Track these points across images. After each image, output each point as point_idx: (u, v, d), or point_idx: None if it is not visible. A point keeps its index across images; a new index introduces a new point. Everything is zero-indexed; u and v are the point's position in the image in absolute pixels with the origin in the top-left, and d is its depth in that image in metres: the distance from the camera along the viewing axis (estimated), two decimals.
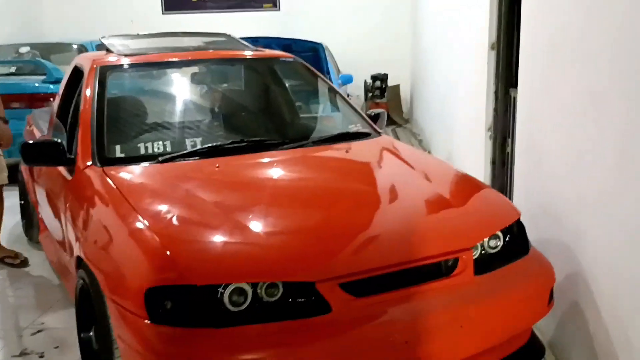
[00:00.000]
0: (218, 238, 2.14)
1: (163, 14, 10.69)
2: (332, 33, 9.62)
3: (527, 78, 3.24)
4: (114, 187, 2.47)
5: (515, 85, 4.00)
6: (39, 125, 4.16)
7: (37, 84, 6.15)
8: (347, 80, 7.52)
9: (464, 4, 4.93)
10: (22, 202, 4.60)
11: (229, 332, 1.86)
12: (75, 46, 7.27)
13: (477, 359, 2.14)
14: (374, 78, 9.95)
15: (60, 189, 2.93)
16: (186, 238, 2.11)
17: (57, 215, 3.01)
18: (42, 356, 2.86)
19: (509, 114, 4.05)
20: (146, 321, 1.90)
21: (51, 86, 6.10)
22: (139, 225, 2.17)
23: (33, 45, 7.20)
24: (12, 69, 6.69)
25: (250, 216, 2.23)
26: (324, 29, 9.80)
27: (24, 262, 3.99)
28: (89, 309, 2.35)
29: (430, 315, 2.01)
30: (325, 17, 10.30)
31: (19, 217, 4.85)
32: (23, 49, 7.06)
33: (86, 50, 7.07)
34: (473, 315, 2.07)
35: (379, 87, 9.92)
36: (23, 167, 4.39)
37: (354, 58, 9.61)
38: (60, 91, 3.66)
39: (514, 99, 3.85)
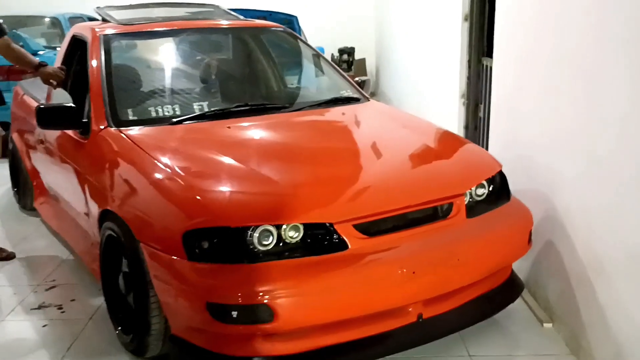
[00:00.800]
0: (242, 186, 2.37)
1: None
2: (300, 6, 9.77)
3: (502, 47, 3.54)
4: (135, 144, 2.66)
5: (486, 54, 4.33)
6: (31, 94, 4.24)
7: None
8: None
9: None
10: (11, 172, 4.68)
11: (258, 267, 2.11)
12: (47, 19, 7.23)
13: (468, 289, 2.47)
14: (341, 51, 10.18)
15: (73, 152, 3.08)
16: (214, 186, 2.35)
17: (69, 176, 3.17)
18: (60, 308, 3.04)
19: (481, 81, 4.37)
20: (185, 260, 2.13)
21: None
22: (167, 176, 2.39)
23: (4, 18, 7.10)
24: None
25: (268, 168, 2.48)
26: (292, 2, 9.94)
27: (10, 255, 3.68)
28: (116, 256, 2.57)
29: (432, 251, 2.31)
30: None
31: (6, 187, 4.94)
32: None
33: (59, 23, 7.06)
34: (467, 251, 2.38)
35: (346, 61, 10.16)
36: (16, 136, 4.47)
37: (320, 31, 9.80)
38: (59, 59, 3.76)
39: (486, 67, 4.17)
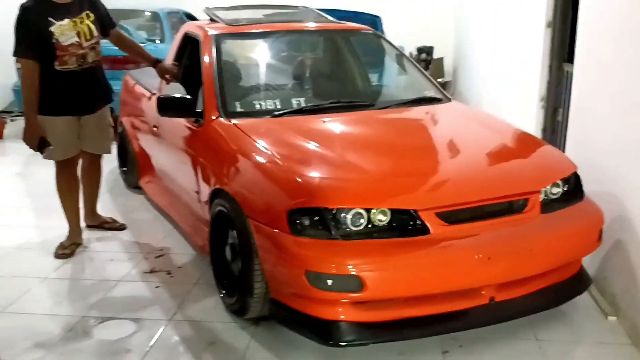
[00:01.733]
0: (338, 173, 2.71)
1: None
2: (377, 3, 10.01)
3: (583, 53, 3.69)
4: (244, 132, 3.04)
5: (567, 60, 4.46)
6: (142, 84, 4.74)
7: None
8: None
9: None
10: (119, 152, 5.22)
11: (350, 243, 2.44)
12: (147, 13, 7.83)
13: (539, 279, 2.70)
14: (420, 50, 10.34)
15: (186, 138, 3.51)
16: (314, 172, 2.69)
17: (180, 159, 3.60)
18: (169, 273, 3.48)
19: (560, 86, 4.51)
20: (288, 234, 2.48)
21: None
22: (273, 161, 2.76)
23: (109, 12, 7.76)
24: None
25: (360, 158, 2.81)
26: (375, 1, 10.19)
27: (122, 226, 4.13)
28: (224, 229, 2.96)
29: (507, 241, 2.56)
30: None
31: (112, 165, 5.49)
32: None
33: (158, 17, 7.63)
34: (539, 243, 2.62)
35: (425, 60, 10.31)
36: (125, 120, 5.00)
37: (399, 29, 9.98)
38: (171, 54, 4.21)
39: (567, 72, 4.31)
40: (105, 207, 4.55)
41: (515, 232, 2.59)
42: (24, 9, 3.38)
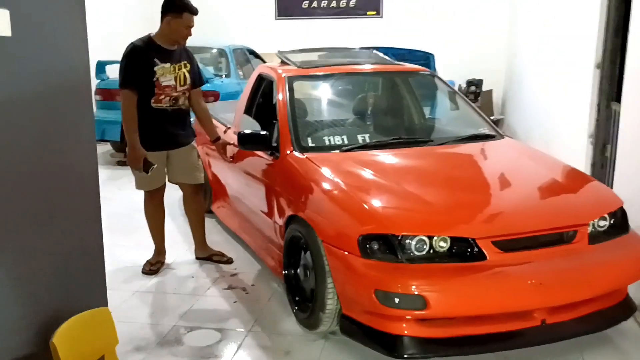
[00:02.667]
0: (403, 204, 3.05)
1: (276, 19, 11.77)
2: (430, 39, 10.39)
3: (631, 94, 3.95)
4: (316, 165, 3.43)
5: (615, 99, 4.70)
6: (216, 117, 5.19)
7: None
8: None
9: (569, 28, 5.62)
10: None
11: (417, 267, 2.76)
12: (214, 50, 8.41)
13: (587, 304, 2.95)
14: (469, 83, 10.63)
15: (263, 169, 3.91)
16: (382, 202, 3.04)
17: (256, 187, 4.01)
18: (244, 290, 3.86)
19: (609, 124, 4.74)
20: (359, 257, 2.82)
21: None
22: (345, 191, 3.12)
23: None
24: None
25: (423, 190, 3.15)
26: (422, 36, 10.59)
27: (230, 260, 4.30)
28: (298, 251, 3.32)
29: (558, 268, 2.83)
30: (423, 25, 11.04)
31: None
32: None
33: (225, 53, 8.20)
34: (587, 271, 2.88)
35: (474, 92, 10.59)
36: (200, 149, 5.45)
37: (450, 63, 10.30)
38: (247, 93, 4.66)
39: (615, 111, 4.55)
40: (181, 230, 5.01)
41: (565, 261, 2.87)
42: (134, 46, 3.82)
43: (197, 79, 4.09)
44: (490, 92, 10.86)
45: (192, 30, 3.91)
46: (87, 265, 2.54)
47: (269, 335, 3.28)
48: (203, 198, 4.37)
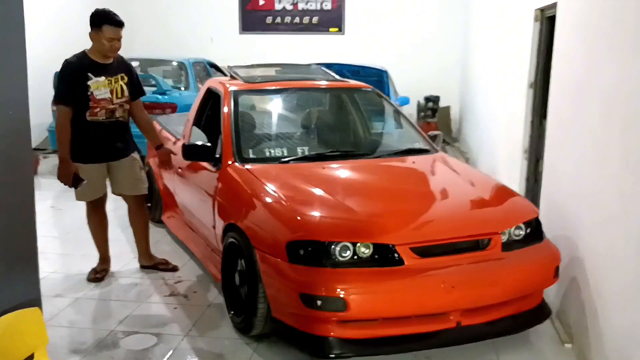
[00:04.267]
0: (330, 212, 3.24)
1: (240, 33, 11.97)
2: (390, 56, 10.71)
3: (554, 111, 4.22)
4: (255, 176, 3.60)
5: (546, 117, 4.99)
6: (168, 129, 5.35)
7: (148, 95, 7.38)
8: (404, 102, 8.54)
9: (508, 50, 5.93)
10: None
11: (337, 271, 2.95)
12: (175, 62, 8.55)
13: (502, 308, 3.16)
14: (427, 99, 10.97)
15: (206, 179, 4.06)
16: (310, 211, 3.23)
17: (200, 197, 4.15)
18: (186, 296, 3.99)
19: (542, 139, 5.02)
20: (286, 262, 3.00)
21: (159, 97, 7.37)
22: (278, 201, 3.30)
23: (139, 61, 8.50)
24: None
25: (351, 200, 3.34)
26: (384, 53, 10.91)
27: (175, 267, 4.41)
28: (235, 258, 3.48)
29: (470, 273, 3.04)
30: (384, 42, 11.37)
31: None
32: (133, 63, 8.35)
33: (184, 66, 8.34)
34: (498, 276, 3.10)
35: (431, 108, 10.93)
36: (151, 161, 5.59)
37: (409, 80, 10.61)
38: (195, 106, 4.81)
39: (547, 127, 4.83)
40: (129, 239, 5.08)
41: (478, 266, 3.08)
42: (67, 63, 3.89)
43: (136, 90, 4.15)
44: (447, 108, 11.22)
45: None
46: (21, 268, 2.65)
47: (204, 339, 3.42)
48: (147, 209, 4.47)
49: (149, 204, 5.69)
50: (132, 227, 4.45)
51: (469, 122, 9.69)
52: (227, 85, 4.42)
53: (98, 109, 3.90)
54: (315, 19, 11.78)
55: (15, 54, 2.52)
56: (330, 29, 11.79)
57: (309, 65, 5.43)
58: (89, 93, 3.85)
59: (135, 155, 4.25)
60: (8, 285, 2.55)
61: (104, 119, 3.94)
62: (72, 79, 3.86)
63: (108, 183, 4.23)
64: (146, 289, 4.12)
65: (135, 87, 4.13)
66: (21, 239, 2.66)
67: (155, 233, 5.33)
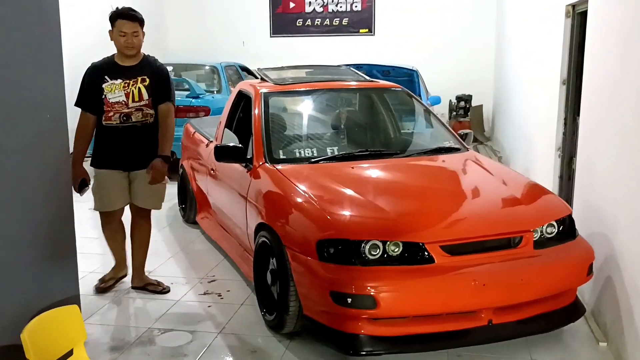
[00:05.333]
0: (359, 211, 3.27)
1: (271, 37, 12.08)
2: (421, 56, 10.66)
3: (587, 109, 4.16)
4: (285, 176, 3.65)
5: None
6: (201, 132, 5.45)
7: (181, 98, 7.54)
8: (436, 101, 8.51)
9: (540, 47, 5.85)
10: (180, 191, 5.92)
11: (367, 269, 2.97)
12: (207, 66, 8.70)
13: (535, 305, 3.14)
14: (459, 99, 10.89)
15: (238, 180, 4.13)
16: (339, 210, 3.26)
17: (232, 197, 4.23)
18: (219, 295, 4.07)
19: (575, 137, 4.95)
20: (317, 260, 3.03)
21: (192, 100, 7.51)
22: (308, 200, 3.34)
23: (173, 65, 8.68)
24: None
25: (380, 199, 3.36)
26: (414, 53, 10.87)
27: (166, 289, 4.10)
28: (266, 257, 3.53)
29: (501, 270, 3.03)
30: (415, 42, 11.33)
31: (172, 203, 6.20)
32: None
33: (217, 70, 8.47)
34: (530, 274, 3.08)
35: (463, 107, 10.84)
36: (185, 163, 5.70)
37: (440, 79, 10.56)
38: (227, 108, 4.90)
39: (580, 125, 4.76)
40: (166, 239, 5.24)
41: (509, 264, 3.06)
42: (90, 66, 3.83)
43: (160, 94, 3.82)
44: (480, 107, 11.11)
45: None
46: (61, 265, 2.75)
47: (237, 336, 3.48)
48: (150, 225, 4.14)
49: (183, 205, 5.83)
50: (131, 239, 4.14)
51: (501, 120, 9.58)
52: (258, 88, 4.48)
53: (112, 113, 3.74)
54: (345, 20, 11.81)
55: (51, 55, 2.61)
56: (361, 30, 11.80)
57: (338, 66, 5.47)
58: (103, 96, 3.73)
59: None
60: (48, 283, 2.65)
61: (118, 123, 3.77)
62: (88, 82, 3.78)
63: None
64: (181, 288, 4.20)
65: (159, 91, 3.81)
66: (60, 238, 2.77)
67: (190, 233, 5.46)
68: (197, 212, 5.43)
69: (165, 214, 6.02)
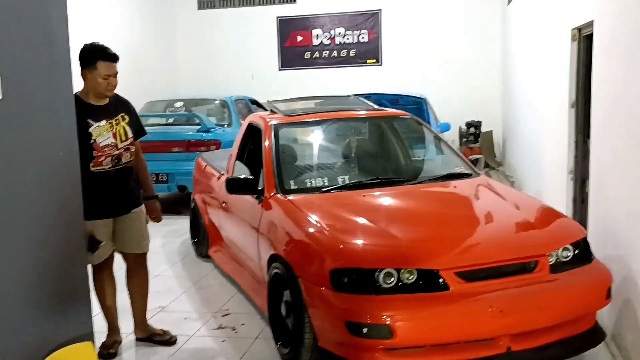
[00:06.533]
0: (372, 240, 3.25)
1: (279, 70, 12.24)
2: (429, 84, 10.72)
3: (597, 130, 4.15)
4: (296, 207, 3.65)
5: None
6: (212, 165, 5.49)
7: (192, 133, 7.63)
8: (445, 128, 8.51)
9: (547, 70, 5.88)
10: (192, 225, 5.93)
11: (383, 298, 2.94)
12: (217, 101, 8.80)
13: (554, 331, 3.08)
14: (469, 125, 10.89)
15: (250, 211, 4.13)
16: (352, 239, 3.25)
17: (244, 230, 4.23)
18: (234, 329, 4.03)
19: (587, 159, 4.92)
20: (331, 290, 3.01)
21: (203, 134, 7.58)
22: (320, 230, 3.33)
23: (183, 101, 8.79)
24: (171, 120, 8.27)
25: (393, 227, 3.34)
26: (422, 81, 10.93)
27: (173, 339, 3.84)
28: (280, 289, 3.51)
29: (518, 296, 2.98)
30: (421, 71, 11.41)
31: (184, 237, 6.23)
32: (178, 104, 8.67)
33: (227, 104, 8.56)
34: (547, 299, 3.03)
35: (473, 133, 10.84)
36: (197, 197, 5.73)
37: (448, 106, 10.59)
38: (238, 141, 4.94)
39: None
40: (178, 275, 5.24)
41: (526, 289, 3.02)
42: None
43: (139, 130, 3.67)
44: (490, 132, 11.11)
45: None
46: (74, 305, 2.74)
47: None
48: (147, 270, 3.85)
49: (196, 239, 5.83)
50: (128, 289, 3.83)
51: (512, 145, 9.56)
52: (267, 120, 4.52)
53: (103, 157, 3.42)
54: (352, 52, 11.94)
55: (63, 93, 2.65)
56: (368, 61, 11.92)
57: (347, 96, 5.52)
58: (91, 142, 3.37)
59: (143, 208, 3.75)
60: (62, 320, 2.64)
61: (110, 167, 3.47)
62: None
63: None
64: (194, 322, 4.18)
65: (137, 125, 3.66)
66: (73, 276, 2.76)
67: (203, 267, 5.45)
68: (210, 246, 5.43)
69: (177, 249, 6.03)
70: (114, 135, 3.48)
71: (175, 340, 3.85)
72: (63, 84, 2.65)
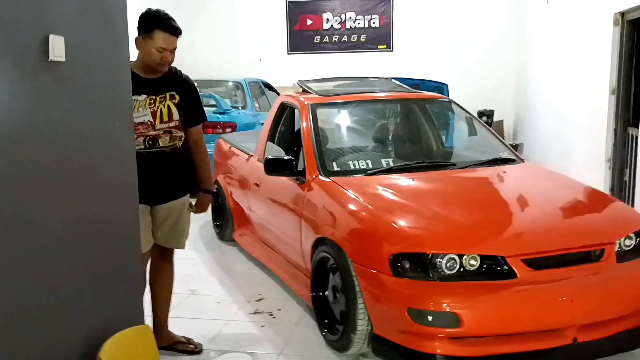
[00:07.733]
0: (432, 224, 3.10)
1: (288, 54, 12.01)
2: (440, 72, 10.56)
3: None
4: (344, 189, 3.49)
5: (632, 124, 4.77)
6: (238, 146, 5.31)
7: (208, 114, 7.41)
8: None
9: (583, 56, 5.74)
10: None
11: (448, 284, 2.80)
12: (231, 82, 8.59)
13: (620, 322, 2.96)
14: (481, 114, 10.74)
15: (288, 193, 3.96)
16: (411, 223, 3.10)
17: (281, 212, 4.06)
18: (271, 314, 3.89)
19: (626, 148, 4.81)
20: (390, 276, 2.87)
21: (219, 116, 7.39)
22: (375, 213, 3.17)
23: (197, 82, 8.57)
24: None
25: (449, 210, 3.19)
26: (433, 68, 10.76)
27: (198, 348, 3.40)
28: (326, 273, 3.36)
29: (588, 285, 2.86)
30: (433, 58, 11.24)
31: (203, 220, 6.03)
32: None
33: (241, 86, 8.37)
34: (615, 289, 2.91)
35: (486, 122, 10.70)
36: (220, 179, 5.55)
37: (459, 95, 10.41)
38: (270, 121, 4.75)
39: (632, 135, 4.62)
40: (204, 259, 5.06)
41: (595, 278, 2.90)
42: None
43: (194, 114, 3.20)
44: (501, 122, 10.97)
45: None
46: (127, 287, 2.58)
47: (299, 358, 3.30)
48: (174, 268, 3.42)
49: (218, 222, 5.66)
50: (151, 289, 3.34)
51: (526, 134, 9.44)
52: (303, 99, 4.35)
53: (135, 136, 2.86)
54: (363, 37, 11.74)
55: (120, 59, 2.48)
56: (379, 46, 11.72)
57: (373, 78, 5.34)
58: None
59: (186, 199, 3.30)
60: (115, 306, 2.48)
61: (142, 149, 3.00)
62: None
63: None
64: (229, 307, 4.02)
65: (192, 110, 3.19)
66: (126, 262, 2.59)
67: (228, 252, 5.29)
68: (235, 229, 5.26)
69: (198, 233, 5.85)
70: (153, 114, 3.03)
71: (201, 349, 3.39)
72: (121, 50, 2.47)
